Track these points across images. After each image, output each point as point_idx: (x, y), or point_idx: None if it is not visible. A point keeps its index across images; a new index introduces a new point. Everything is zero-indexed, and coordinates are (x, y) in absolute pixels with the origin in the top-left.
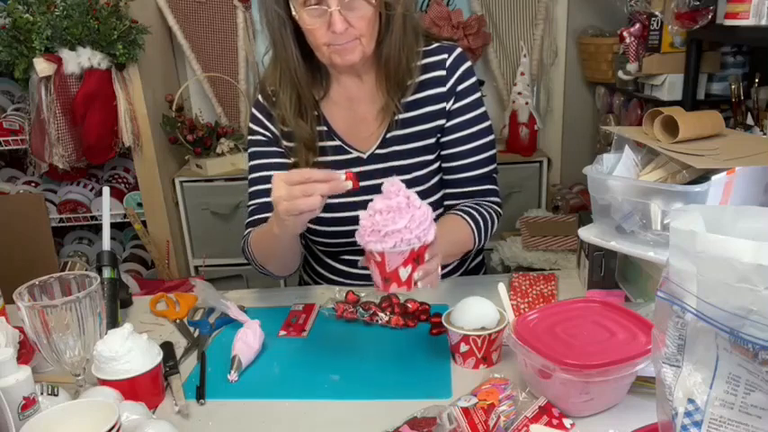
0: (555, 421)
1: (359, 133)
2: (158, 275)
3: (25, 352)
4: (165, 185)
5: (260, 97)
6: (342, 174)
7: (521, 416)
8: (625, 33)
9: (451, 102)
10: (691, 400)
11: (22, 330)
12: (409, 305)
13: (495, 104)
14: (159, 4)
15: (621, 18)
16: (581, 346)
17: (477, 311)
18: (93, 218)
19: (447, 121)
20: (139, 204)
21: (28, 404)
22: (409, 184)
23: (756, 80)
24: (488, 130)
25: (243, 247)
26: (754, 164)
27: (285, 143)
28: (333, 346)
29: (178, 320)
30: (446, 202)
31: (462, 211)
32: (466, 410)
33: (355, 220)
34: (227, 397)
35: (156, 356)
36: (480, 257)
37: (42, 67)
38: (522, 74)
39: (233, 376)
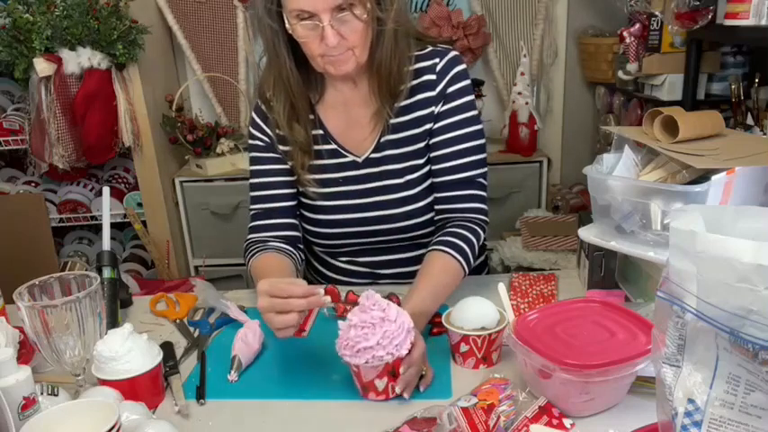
0: (555, 421)
1: (354, 137)
2: (158, 275)
3: (25, 352)
4: (165, 185)
5: (259, 101)
6: (321, 288)
7: (521, 416)
8: (625, 33)
9: (440, 105)
10: (691, 400)
11: (22, 330)
12: None
13: (495, 104)
14: (159, 4)
15: (621, 18)
16: (581, 346)
17: (477, 311)
18: (93, 218)
19: (434, 124)
20: (139, 204)
21: (28, 404)
22: (402, 187)
23: (756, 80)
24: (477, 134)
25: (245, 254)
26: (754, 164)
27: (281, 147)
28: (333, 346)
29: (178, 320)
30: (435, 207)
31: (446, 244)
32: (466, 410)
33: (352, 222)
34: (227, 397)
35: (156, 356)
36: (483, 257)
37: (42, 67)
38: (522, 74)
39: (233, 376)
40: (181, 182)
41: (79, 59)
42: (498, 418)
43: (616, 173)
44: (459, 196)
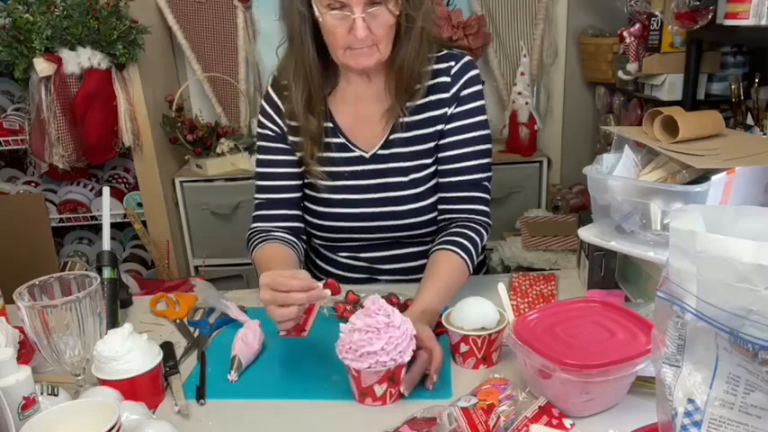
0: (555, 421)
1: (363, 132)
2: (158, 275)
3: (25, 352)
4: (165, 185)
5: (270, 90)
6: (320, 283)
7: (521, 416)
8: (625, 33)
9: (453, 107)
10: (690, 400)
11: (22, 330)
12: (409, 305)
13: (495, 104)
14: (159, 4)
15: (621, 18)
16: (581, 346)
17: (476, 311)
18: (93, 218)
19: (446, 125)
20: (139, 204)
21: (28, 404)
22: (407, 186)
23: (756, 80)
24: (485, 139)
25: (248, 243)
26: (754, 164)
27: (291, 138)
28: (333, 346)
29: (178, 320)
30: (438, 207)
31: (453, 243)
32: (466, 410)
33: (355, 217)
34: (227, 397)
35: (156, 356)
36: (482, 257)
37: (42, 67)
38: (522, 74)
39: (233, 376)
40: (181, 182)
41: (79, 59)
42: (498, 418)
43: (616, 173)
44: (465, 198)
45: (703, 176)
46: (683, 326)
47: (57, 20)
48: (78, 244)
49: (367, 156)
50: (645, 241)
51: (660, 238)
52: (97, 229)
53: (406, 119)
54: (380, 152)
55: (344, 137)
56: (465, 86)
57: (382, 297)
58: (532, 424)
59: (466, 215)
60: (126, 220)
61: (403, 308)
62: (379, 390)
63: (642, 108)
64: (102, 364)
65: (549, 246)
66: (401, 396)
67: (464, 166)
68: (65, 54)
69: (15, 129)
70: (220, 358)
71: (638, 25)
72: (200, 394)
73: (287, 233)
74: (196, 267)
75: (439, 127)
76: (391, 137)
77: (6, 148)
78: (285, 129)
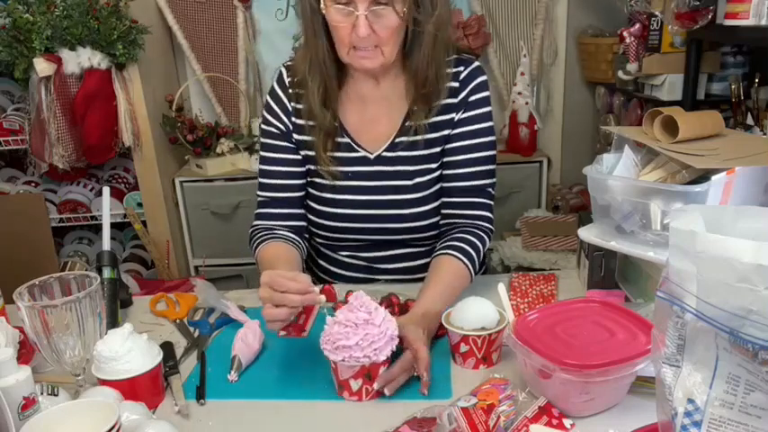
0: (555, 421)
1: (368, 133)
2: (158, 275)
3: (25, 352)
4: (165, 185)
5: (276, 86)
6: (317, 288)
7: (521, 416)
8: (625, 33)
9: (461, 112)
10: (690, 400)
11: (22, 330)
12: (409, 305)
13: (496, 104)
14: (159, 4)
15: (621, 18)
16: (581, 346)
17: (476, 311)
18: (93, 218)
19: (452, 131)
20: (139, 204)
21: (28, 404)
22: (410, 189)
23: (756, 80)
24: (491, 145)
25: (251, 240)
26: (754, 164)
27: (296, 137)
28: None
29: (178, 320)
30: (442, 211)
31: (456, 249)
32: (466, 410)
33: (357, 218)
34: (227, 397)
35: (156, 356)
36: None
37: (42, 67)
38: (522, 74)
39: (233, 376)
40: (181, 182)
41: (79, 59)
42: (498, 418)
43: (616, 173)
44: (469, 203)
45: (703, 176)
46: (683, 326)
47: (57, 20)
48: (78, 244)
49: (371, 157)
50: (645, 241)
51: (660, 238)
52: (97, 229)
53: (413, 123)
54: (385, 154)
55: (349, 136)
56: (473, 92)
57: (383, 297)
58: (532, 424)
59: (469, 220)
60: (126, 220)
61: (403, 308)
62: (354, 384)
63: (642, 108)
64: (102, 364)
65: (549, 246)
66: (380, 394)
67: (469, 171)
68: (65, 54)
69: (15, 129)
70: (220, 358)
71: (638, 25)
72: (200, 394)
73: (290, 231)
74: (196, 267)
75: (445, 132)
76: (397, 139)
77: (6, 148)
78: (290, 126)
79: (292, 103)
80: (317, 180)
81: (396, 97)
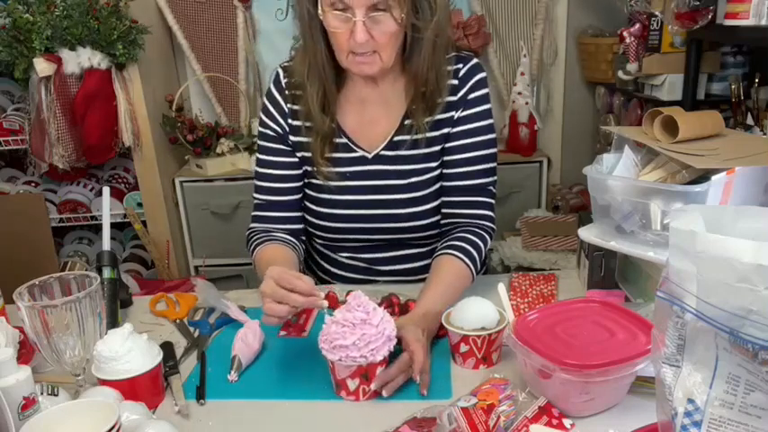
0: (555, 421)
1: (367, 133)
2: (158, 275)
3: (25, 352)
4: (165, 185)
5: (273, 88)
6: (322, 293)
7: (521, 416)
8: (625, 33)
9: (460, 110)
10: (690, 400)
11: (22, 330)
12: (410, 306)
13: (496, 104)
14: (159, 4)
15: (621, 18)
16: (581, 346)
17: (476, 311)
18: (93, 218)
19: (452, 129)
20: (139, 204)
21: (28, 404)
22: (409, 188)
23: (756, 80)
24: (491, 143)
25: (248, 243)
26: (754, 164)
27: (293, 138)
28: None
29: (178, 320)
30: (442, 210)
31: (457, 249)
32: (466, 410)
33: (356, 218)
34: (227, 397)
35: (156, 356)
36: None
37: (42, 67)
38: (522, 74)
39: (233, 376)
40: (181, 182)
41: (79, 59)
42: (498, 418)
43: (616, 173)
44: (470, 202)
45: (703, 176)
46: (683, 326)
47: (57, 20)
48: (78, 244)
49: (369, 156)
50: (645, 241)
51: (660, 238)
52: (97, 229)
53: (412, 122)
54: (383, 153)
55: (347, 137)
56: (472, 90)
57: (383, 297)
58: (532, 424)
59: (470, 220)
60: (126, 220)
61: (404, 308)
62: (351, 384)
63: (642, 108)
64: (102, 364)
65: (549, 246)
66: (378, 394)
67: (470, 170)
68: (65, 54)
69: (15, 129)
70: (220, 358)
71: (638, 25)
72: (200, 394)
73: (287, 234)
74: (196, 267)
75: (445, 130)
76: (395, 138)
77: (6, 148)
78: (287, 128)
79: (289, 105)
80: (315, 181)
81: (395, 98)
